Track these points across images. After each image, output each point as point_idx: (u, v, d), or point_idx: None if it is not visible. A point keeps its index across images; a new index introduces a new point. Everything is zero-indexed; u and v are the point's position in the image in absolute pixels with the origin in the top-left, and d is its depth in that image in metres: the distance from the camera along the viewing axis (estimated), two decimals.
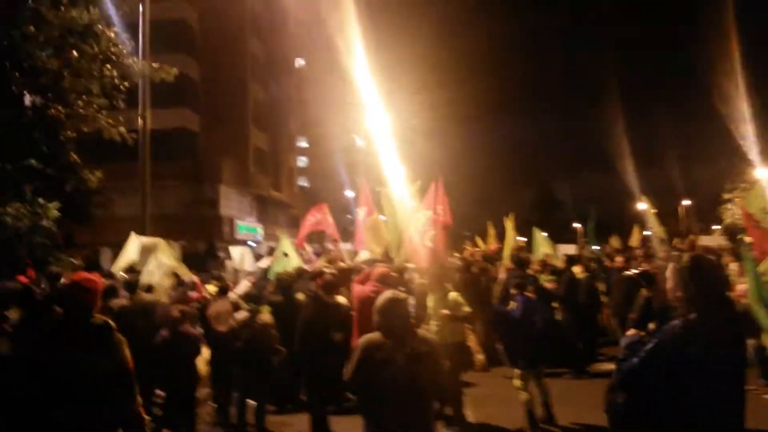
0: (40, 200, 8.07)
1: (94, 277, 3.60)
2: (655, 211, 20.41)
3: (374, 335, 3.26)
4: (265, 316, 6.51)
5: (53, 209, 8.13)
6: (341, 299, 6.28)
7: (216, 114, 28.87)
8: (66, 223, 10.55)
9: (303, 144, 54.29)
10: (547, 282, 9.08)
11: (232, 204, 29.94)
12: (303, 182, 52.53)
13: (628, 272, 8.73)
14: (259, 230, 33.10)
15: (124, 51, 8.35)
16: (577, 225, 61.01)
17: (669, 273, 2.65)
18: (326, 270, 6.57)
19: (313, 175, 53.05)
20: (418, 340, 3.22)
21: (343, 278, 6.77)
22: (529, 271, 8.85)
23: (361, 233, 10.36)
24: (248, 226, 31.72)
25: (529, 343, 6.19)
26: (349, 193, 38.57)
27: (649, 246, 13.56)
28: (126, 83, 8.48)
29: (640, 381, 2.45)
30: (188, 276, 8.44)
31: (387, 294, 3.36)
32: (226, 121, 29.11)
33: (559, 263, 10.99)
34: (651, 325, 3.82)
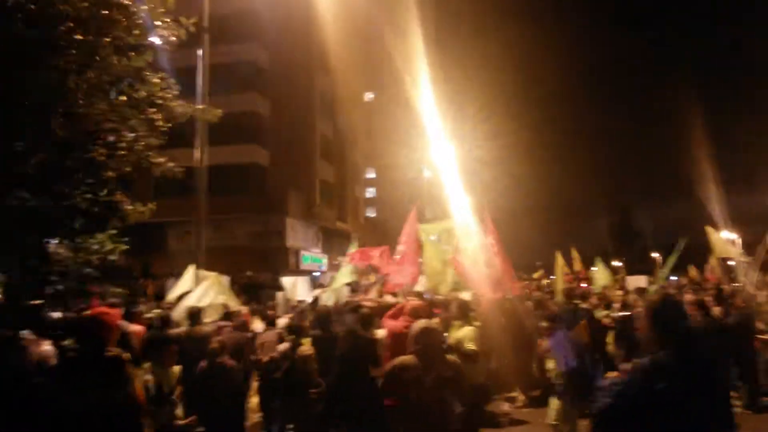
0: (99, 236, 8.69)
1: (112, 311, 3.81)
2: (739, 239, 19.23)
3: (407, 357, 3.51)
4: (306, 348, 6.56)
5: (120, 246, 8.75)
6: (380, 332, 6.29)
7: (284, 148, 30.16)
8: (144, 253, 11.31)
9: (371, 175, 55.51)
10: (603, 317, 8.80)
11: (298, 235, 30.91)
12: (371, 213, 53.43)
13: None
14: (324, 261, 33.88)
15: (170, 95, 8.57)
16: (655, 255, 58.06)
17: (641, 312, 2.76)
18: (364, 304, 6.71)
19: (380, 205, 53.80)
20: (446, 365, 3.45)
21: (383, 312, 6.84)
22: (586, 305, 8.62)
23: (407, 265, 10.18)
24: (313, 257, 32.57)
25: (566, 380, 5.98)
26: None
27: (726, 277, 12.76)
28: (169, 124, 8.83)
29: (612, 421, 2.49)
30: (236, 307, 8.63)
31: (422, 323, 3.61)
32: (294, 155, 30.31)
33: (630, 296, 10.56)
34: None
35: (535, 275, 23.20)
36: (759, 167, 47.98)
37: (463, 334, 6.22)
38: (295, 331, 7.06)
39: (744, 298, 9.18)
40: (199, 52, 11.82)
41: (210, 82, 31.67)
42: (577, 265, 17.90)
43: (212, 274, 8.93)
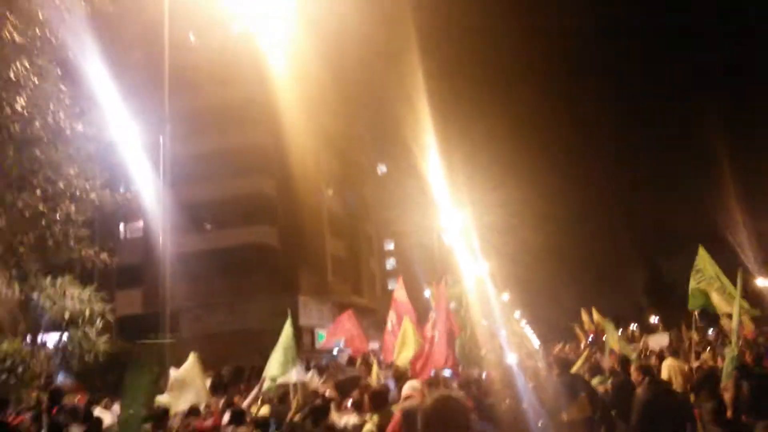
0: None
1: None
2: None
3: None
4: None
5: (99, 342, 8.73)
6: (348, 419, 6.09)
7: (293, 226, 31.06)
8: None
9: (389, 246, 56.25)
10: (599, 385, 8.46)
11: (312, 314, 31.19)
12: (392, 284, 53.55)
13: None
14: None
15: (87, 186, 8.59)
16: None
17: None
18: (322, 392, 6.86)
19: (401, 276, 53.87)
20: None
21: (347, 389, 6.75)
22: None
23: (390, 341, 9.79)
24: None
25: None
26: (428, 293, 38.99)
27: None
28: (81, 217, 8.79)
29: None
30: (206, 401, 8.33)
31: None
32: (304, 233, 31.16)
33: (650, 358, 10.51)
34: None
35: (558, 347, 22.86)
36: None
37: None
38: (260, 426, 6.82)
39: None
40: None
41: (215, 167, 33.10)
42: (589, 325, 17.93)
43: (193, 362, 8.53)
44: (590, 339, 20.27)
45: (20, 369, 8.12)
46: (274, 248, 31.17)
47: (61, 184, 8.29)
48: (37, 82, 7.50)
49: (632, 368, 6.99)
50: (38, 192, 8.03)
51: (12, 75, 7.15)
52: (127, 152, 10.50)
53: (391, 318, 10.01)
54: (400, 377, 7.63)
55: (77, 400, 11.01)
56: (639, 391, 6.18)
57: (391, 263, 57.54)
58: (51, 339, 9.10)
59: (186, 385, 7.81)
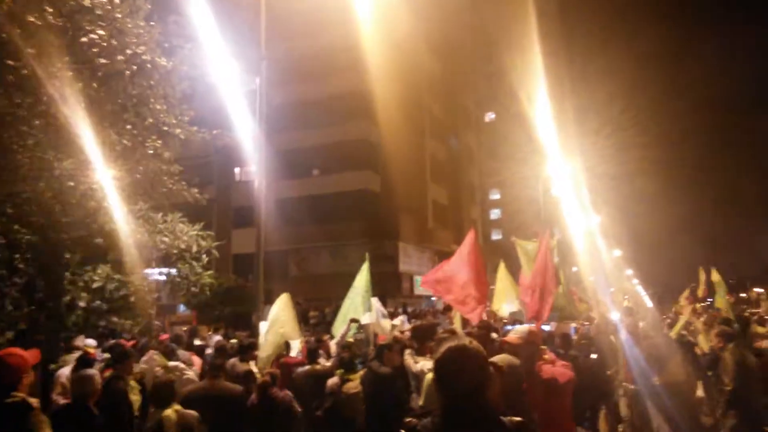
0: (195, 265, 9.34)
1: (23, 353, 3.61)
2: None
3: None
4: (352, 385, 6.44)
5: (133, 282, 9.23)
6: (424, 363, 6.13)
7: (395, 173, 31.39)
8: (267, 281, 11.87)
9: (495, 196, 55.50)
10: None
11: (411, 260, 31.80)
12: (496, 235, 53.12)
13: None
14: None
15: (174, 120, 8.41)
16: None
17: None
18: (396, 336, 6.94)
19: (506, 226, 53.33)
20: None
21: (424, 335, 6.75)
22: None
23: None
24: None
25: None
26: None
27: None
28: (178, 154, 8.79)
29: None
30: (298, 338, 8.57)
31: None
32: (405, 179, 31.42)
33: None
34: None
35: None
36: None
37: None
38: (345, 365, 6.91)
39: None
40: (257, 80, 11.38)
41: (320, 114, 33.85)
42: (702, 286, 16.69)
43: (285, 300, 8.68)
44: (706, 301, 18.96)
45: (132, 299, 9.03)
46: (376, 194, 31.79)
47: (150, 119, 8.18)
48: (119, 15, 7.43)
49: (713, 334, 6.69)
50: (128, 127, 8.00)
51: (88, 2, 7.06)
52: (222, 93, 10.30)
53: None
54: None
55: (187, 328, 12.22)
56: (726, 355, 6.05)
57: (495, 213, 56.75)
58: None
59: (280, 323, 8.27)
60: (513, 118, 42.45)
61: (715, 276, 17.60)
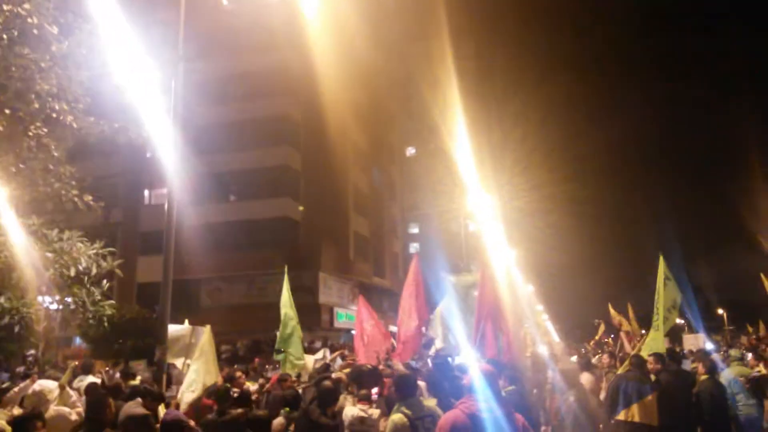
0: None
1: None
2: None
3: None
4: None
5: (105, 306, 8.31)
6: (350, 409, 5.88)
7: (317, 202, 30.95)
8: (179, 311, 10.92)
9: (414, 230, 56.10)
10: None
11: (332, 291, 31.18)
12: None
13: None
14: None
15: (66, 107, 7.29)
16: (720, 311, 55.47)
17: None
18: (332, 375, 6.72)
19: (424, 260, 53.64)
20: None
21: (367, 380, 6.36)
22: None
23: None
24: (349, 314, 32.63)
25: None
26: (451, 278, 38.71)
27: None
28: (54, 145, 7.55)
29: None
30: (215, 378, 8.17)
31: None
32: (327, 209, 31.04)
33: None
34: None
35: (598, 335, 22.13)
36: None
37: None
38: (289, 403, 6.86)
39: None
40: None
41: (242, 137, 33.02)
42: (626, 325, 17.39)
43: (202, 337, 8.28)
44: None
45: (17, 328, 7.79)
46: (296, 222, 31.15)
47: (36, 104, 7.06)
48: None
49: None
50: (6, 111, 6.90)
51: None
52: (130, 90, 8.67)
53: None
54: None
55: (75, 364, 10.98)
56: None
57: (414, 247, 57.34)
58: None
59: (203, 360, 7.66)
60: (433, 153, 43.43)
61: (631, 311, 18.51)
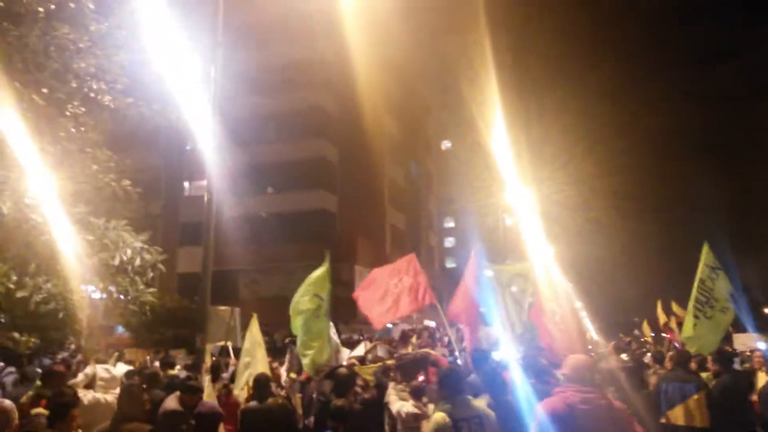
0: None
1: None
2: None
3: None
4: None
5: (147, 293, 8.29)
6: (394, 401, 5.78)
7: (353, 194, 30.91)
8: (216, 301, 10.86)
9: (450, 224, 55.77)
10: None
11: None
12: (451, 263, 53.19)
13: None
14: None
15: (104, 86, 7.06)
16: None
17: None
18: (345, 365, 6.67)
19: (460, 256, 53.68)
20: None
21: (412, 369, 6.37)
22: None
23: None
24: None
25: None
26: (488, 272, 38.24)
27: None
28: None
29: None
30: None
31: None
32: (363, 202, 30.97)
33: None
34: None
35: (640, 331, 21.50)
36: None
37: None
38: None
39: None
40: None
41: (278, 128, 33.14)
42: (673, 324, 16.80)
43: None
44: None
45: (61, 314, 7.84)
46: (332, 215, 31.18)
47: (73, 83, 6.90)
48: None
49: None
50: (45, 91, 6.67)
51: None
52: (171, 76, 8.46)
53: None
54: None
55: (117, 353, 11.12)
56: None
57: (450, 241, 56.96)
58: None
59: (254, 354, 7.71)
60: (470, 147, 42.88)
61: (677, 308, 17.88)
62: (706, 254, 8.78)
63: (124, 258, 7.95)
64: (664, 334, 18.69)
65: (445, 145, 54.55)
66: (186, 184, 32.60)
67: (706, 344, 8.14)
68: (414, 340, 10.36)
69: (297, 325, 8.63)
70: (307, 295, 8.58)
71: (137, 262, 8.15)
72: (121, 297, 8.40)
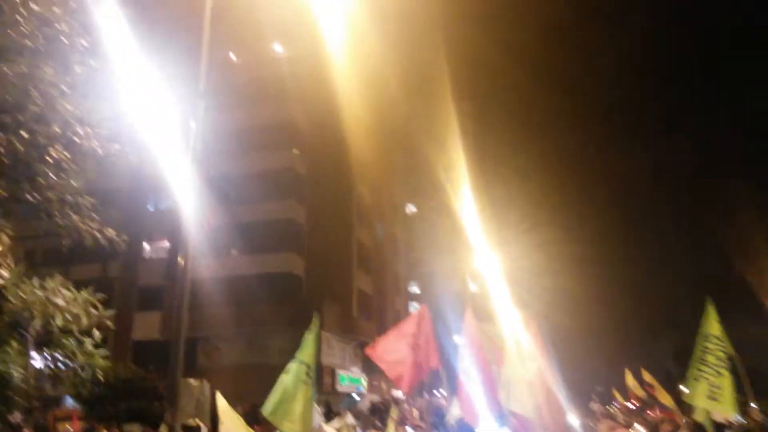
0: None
1: None
2: None
3: None
4: None
5: (97, 357, 7.72)
6: None
7: (321, 256, 30.45)
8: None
9: (414, 290, 55.30)
10: None
11: (334, 352, 30.14)
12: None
13: None
14: (363, 382, 32.67)
15: (90, 132, 6.85)
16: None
17: None
18: None
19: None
20: None
21: None
22: None
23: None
24: (351, 377, 31.48)
25: None
26: (458, 339, 37.71)
27: None
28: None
29: None
30: None
31: None
32: (331, 264, 30.50)
33: None
34: None
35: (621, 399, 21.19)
36: None
37: None
38: None
39: None
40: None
41: (245, 189, 32.83)
42: (641, 392, 16.64)
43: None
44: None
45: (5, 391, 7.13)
46: (299, 278, 30.55)
47: (56, 127, 6.65)
48: None
49: None
50: (24, 134, 6.44)
51: None
52: (151, 126, 8.22)
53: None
54: None
55: (69, 425, 10.29)
56: None
57: (414, 306, 56.32)
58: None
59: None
60: (436, 210, 43.26)
61: (648, 376, 17.71)
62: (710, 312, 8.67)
63: (68, 317, 7.34)
64: (634, 402, 18.45)
65: (410, 208, 54.90)
66: (146, 245, 31.61)
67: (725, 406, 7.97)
68: (394, 415, 9.75)
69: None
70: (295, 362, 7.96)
71: (84, 320, 7.54)
72: (68, 363, 7.71)
